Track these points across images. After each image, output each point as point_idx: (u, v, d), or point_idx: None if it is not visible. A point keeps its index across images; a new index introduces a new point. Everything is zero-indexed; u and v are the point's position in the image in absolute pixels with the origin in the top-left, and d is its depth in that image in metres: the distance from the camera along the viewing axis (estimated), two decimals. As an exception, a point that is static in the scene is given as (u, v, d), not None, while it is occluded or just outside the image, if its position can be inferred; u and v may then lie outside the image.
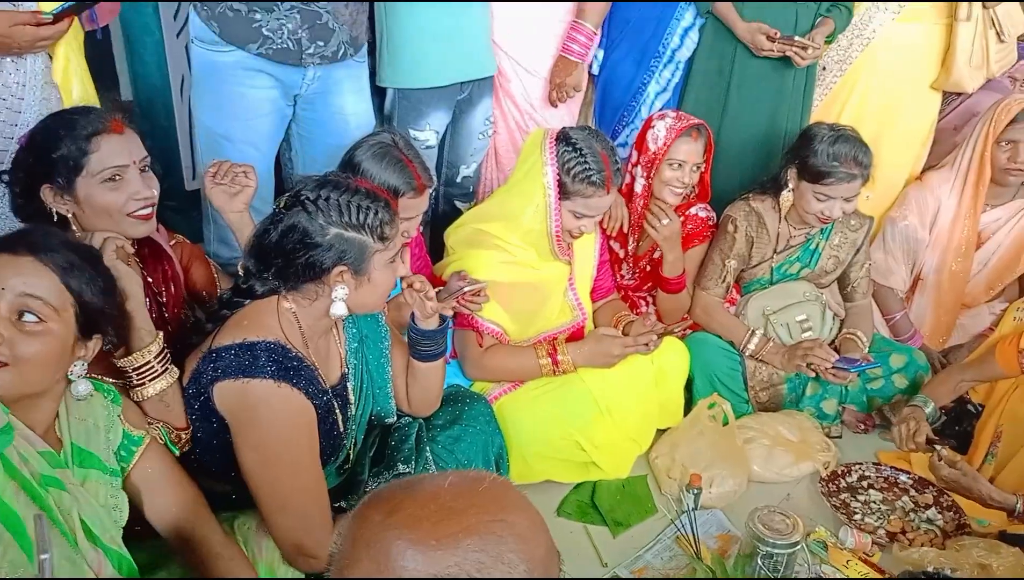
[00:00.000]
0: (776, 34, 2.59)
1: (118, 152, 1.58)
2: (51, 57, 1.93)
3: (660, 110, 2.77)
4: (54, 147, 1.55)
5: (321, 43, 2.17)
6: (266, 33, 2.07)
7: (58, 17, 1.75)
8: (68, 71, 1.98)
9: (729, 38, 2.69)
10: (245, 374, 1.48)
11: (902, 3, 2.67)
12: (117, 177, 1.58)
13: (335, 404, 1.65)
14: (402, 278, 1.75)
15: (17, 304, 1.18)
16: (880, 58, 2.75)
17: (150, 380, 1.52)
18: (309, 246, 1.51)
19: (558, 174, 2.08)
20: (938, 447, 2.21)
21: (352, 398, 1.73)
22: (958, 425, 2.48)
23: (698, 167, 2.45)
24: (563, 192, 2.10)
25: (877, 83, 2.78)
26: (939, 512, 2.20)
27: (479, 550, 0.74)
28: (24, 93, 1.82)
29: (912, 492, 2.27)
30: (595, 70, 2.87)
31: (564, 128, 2.19)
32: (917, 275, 2.82)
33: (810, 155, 2.36)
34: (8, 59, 1.80)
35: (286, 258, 1.52)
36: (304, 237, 1.51)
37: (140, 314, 1.51)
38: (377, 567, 0.74)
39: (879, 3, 2.70)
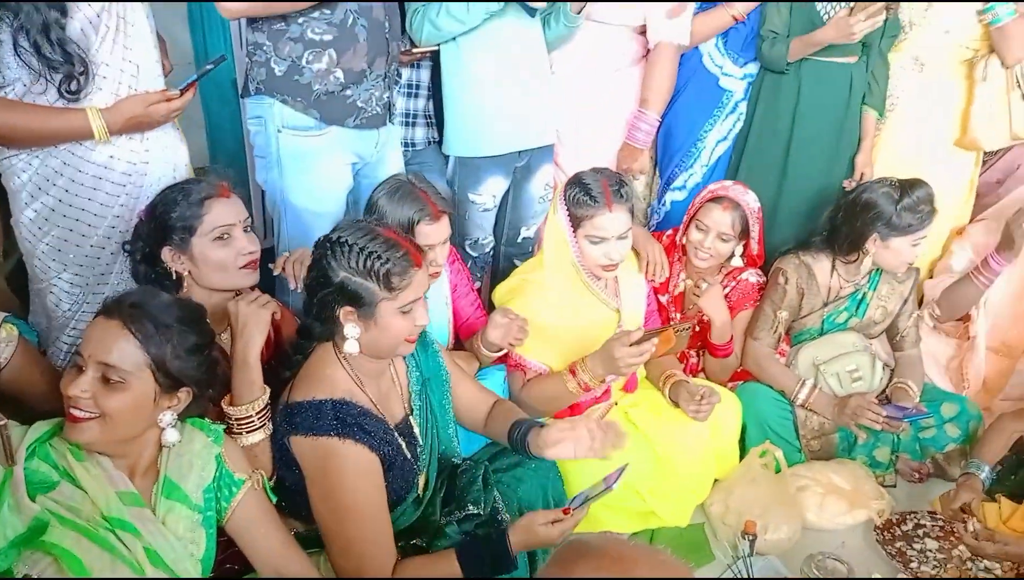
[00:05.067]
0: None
1: (226, 213, 1.81)
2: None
3: (720, 160, 2.92)
4: (172, 211, 1.76)
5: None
6: (360, 105, 2.26)
7: (184, 90, 1.93)
8: None
9: (789, 95, 2.78)
10: (313, 431, 1.61)
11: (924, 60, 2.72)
12: (226, 236, 1.81)
13: (402, 443, 1.75)
14: None
15: (98, 369, 1.38)
16: (907, 115, 2.81)
17: (247, 432, 1.66)
18: (323, 285, 1.63)
19: (567, 209, 2.23)
20: (968, 520, 2.16)
21: (418, 433, 1.83)
22: (1014, 474, 2.47)
23: (725, 238, 2.54)
24: (575, 222, 2.23)
25: (904, 140, 2.84)
26: (997, 561, 2.20)
27: None
28: (149, 158, 1.97)
29: (969, 541, 2.27)
30: None
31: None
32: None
33: (891, 216, 2.43)
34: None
35: (311, 294, 1.66)
36: (321, 275, 1.63)
37: (255, 367, 1.66)
38: None
39: (904, 63, 2.76)
